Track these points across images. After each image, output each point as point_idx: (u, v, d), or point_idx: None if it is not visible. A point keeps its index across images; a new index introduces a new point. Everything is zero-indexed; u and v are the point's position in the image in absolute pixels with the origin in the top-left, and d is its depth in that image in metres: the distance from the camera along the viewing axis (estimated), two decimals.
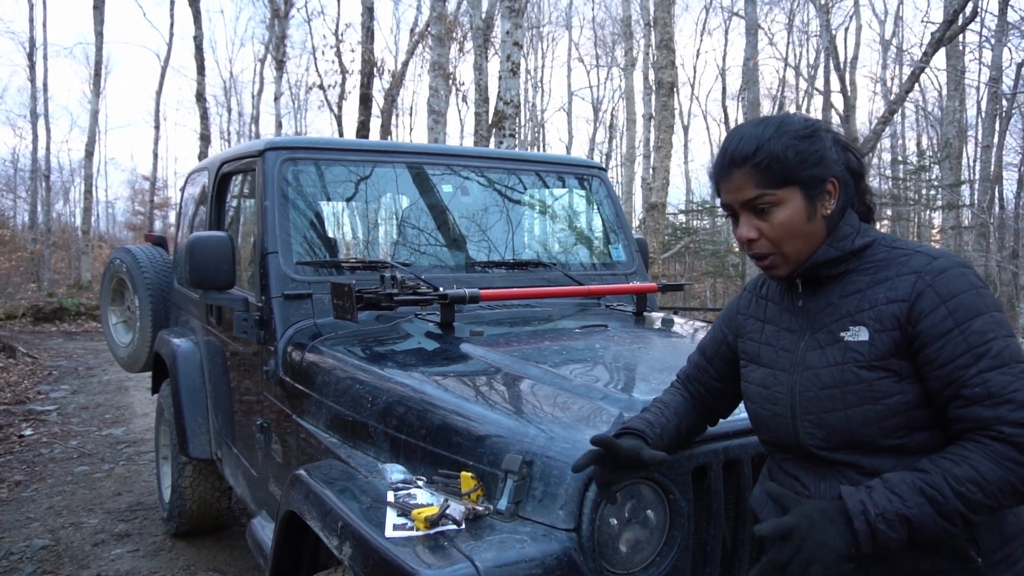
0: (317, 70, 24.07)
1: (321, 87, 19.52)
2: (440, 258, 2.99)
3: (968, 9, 9.18)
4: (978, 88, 17.98)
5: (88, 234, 19.86)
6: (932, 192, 17.09)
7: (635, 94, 19.95)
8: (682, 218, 20.27)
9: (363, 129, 12.50)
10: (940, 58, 15.25)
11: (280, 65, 19.68)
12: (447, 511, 1.43)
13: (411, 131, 31.05)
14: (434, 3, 9.94)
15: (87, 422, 6.62)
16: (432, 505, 1.47)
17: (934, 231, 20.32)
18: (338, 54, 17.61)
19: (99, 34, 18.05)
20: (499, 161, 3.32)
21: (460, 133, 30.02)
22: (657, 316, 3.00)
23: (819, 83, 21.22)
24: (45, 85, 22.16)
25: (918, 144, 25.64)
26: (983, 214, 14.24)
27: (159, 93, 23.50)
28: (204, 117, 17.06)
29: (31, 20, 23.12)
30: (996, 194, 17.32)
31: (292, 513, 1.82)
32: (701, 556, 1.58)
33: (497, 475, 1.51)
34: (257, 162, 2.81)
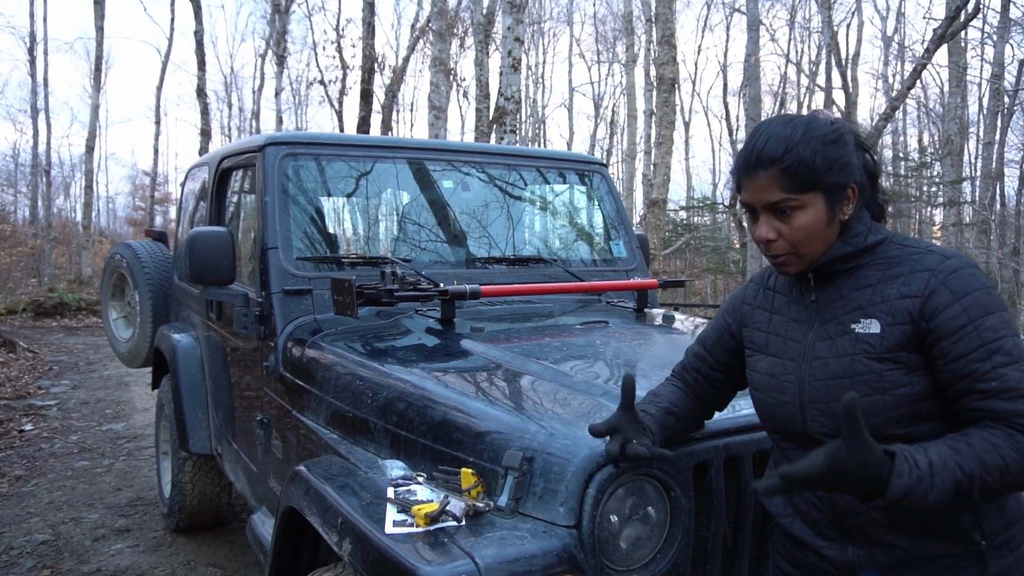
0: (318, 65, 23.99)
1: (322, 82, 19.48)
2: (441, 254, 2.98)
3: (970, 5, 9.15)
4: (980, 85, 17.94)
5: (89, 229, 19.86)
6: (933, 189, 17.05)
7: (636, 90, 19.92)
8: (683, 214, 20.27)
9: (364, 125, 12.48)
10: (942, 54, 15.22)
11: (281, 60, 19.64)
12: (447, 507, 1.43)
13: (412, 127, 31.06)
14: None
15: (87, 417, 6.62)
16: (432, 501, 1.47)
17: (935, 228, 20.30)
18: (339, 49, 17.56)
19: (100, 29, 18.03)
20: (500, 157, 3.31)
21: (461, 129, 30.00)
22: (658, 312, 2.99)
23: (821, 79, 21.19)
24: (46, 80, 22.12)
25: (919, 141, 25.64)
26: (984, 211, 14.22)
27: (160, 88, 23.46)
28: (205, 112, 17.03)
29: (31, 15, 23.24)
30: (997, 191, 17.27)
31: (292, 509, 1.82)
32: (702, 553, 1.58)
33: (497, 471, 1.51)
34: (257, 157, 2.81)
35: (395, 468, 1.68)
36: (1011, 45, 15.44)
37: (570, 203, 3.60)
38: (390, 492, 1.54)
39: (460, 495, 1.49)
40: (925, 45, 10.03)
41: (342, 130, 19.94)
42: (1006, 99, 15.37)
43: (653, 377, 1.86)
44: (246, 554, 3.70)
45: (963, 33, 13.62)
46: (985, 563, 1.22)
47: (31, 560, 3.63)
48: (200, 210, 3.79)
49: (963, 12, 8.99)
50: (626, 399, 1.39)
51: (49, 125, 22.39)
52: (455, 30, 15.66)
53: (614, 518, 1.46)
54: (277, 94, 20.29)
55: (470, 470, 1.54)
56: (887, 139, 23.96)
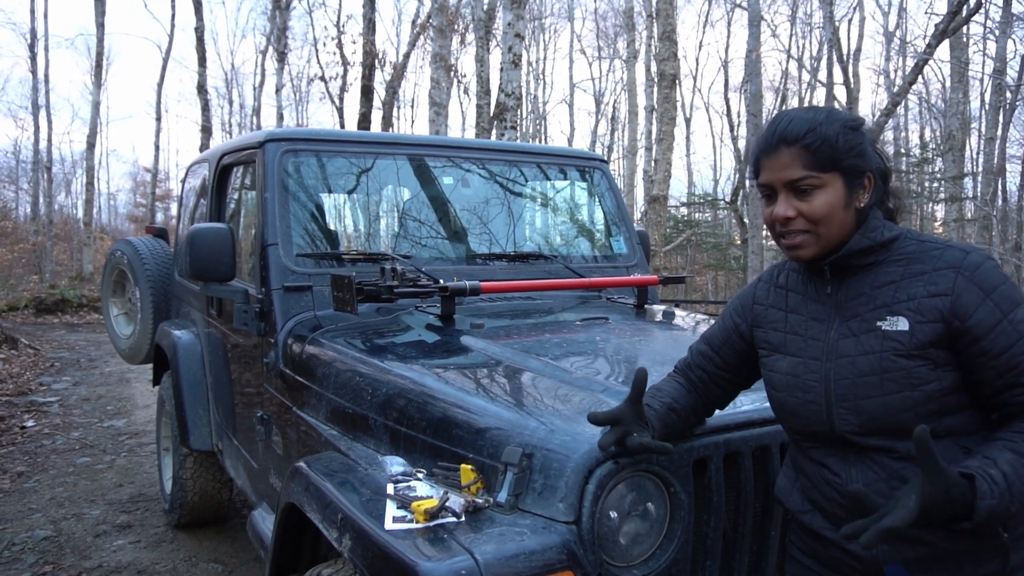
0: (319, 62, 23.98)
1: (323, 79, 19.48)
2: (441, 250, 2.98)
3: (972, 0, 9.12)
4: (982, 80, 17.88)
5: (90, 226, 19.87)
6: (935, 185, 17.03)
7: (637, 86, 19.89)
8: (684, 211, 20.23)
9: (364, 121, 12.47)
10: (944, 50, 15.16)
11: (281, 57, 19.62)
12: (447, 503, 1.43)
13: (412, 123, 31.04)
14: None
15: (89, 413, 6.63)
16: (432, 498, 1.47)
17: (937, 224, 20.26)
18: (339, 46, 17.54)
19: (100, 25, 18.02)
20: (500, 153, 3.30)
21: (461, 125, 29.95)
22: (658, 309, 2.99)
23: (822, 75, 21.11)
24: (46, 76, 22.12)
25: (921, 136, 25.60)
26: (986, 207, 14.17)
27: (160, 85, 23.43)
28: (205, 109, 17.02)
29: (32, 11, 23.13)
30: (999, 187, 17.24)
31: (292, 505, 1.82)
32: (701, 549, 1.58)
33: (497, 468, 1.51)
34: (257, 154, 2.80)
35: (395, 464, 1.68)
36: (1013, 40, 15.41)
37: (571, 199, 3.60)
38: (390, 488, 1.55)
39: (460, 491, 1.49)
40: (927, 40, 10.01)
41: (343, 126, 19.94)
42: (1008, 94, 15.31)
43: (653, 373, 1.86)
44: (247, 550, 3.70)
45: (965, 28, 13.59)
46: (1007, 555, 1.23)
47: (33, 556, 3.64)
48: (201, 206, 3.80)
49: (965, 7, 8.96)
50: (635, 392, 1.40)
51: (50, 122, 22.41)
52: (456, 26, 15.63)
53: (614, 514, 1.46)
54: (278, 90, 20.28)
55: (470, 466, 1.54)
56: (889, 135, 23.91)
